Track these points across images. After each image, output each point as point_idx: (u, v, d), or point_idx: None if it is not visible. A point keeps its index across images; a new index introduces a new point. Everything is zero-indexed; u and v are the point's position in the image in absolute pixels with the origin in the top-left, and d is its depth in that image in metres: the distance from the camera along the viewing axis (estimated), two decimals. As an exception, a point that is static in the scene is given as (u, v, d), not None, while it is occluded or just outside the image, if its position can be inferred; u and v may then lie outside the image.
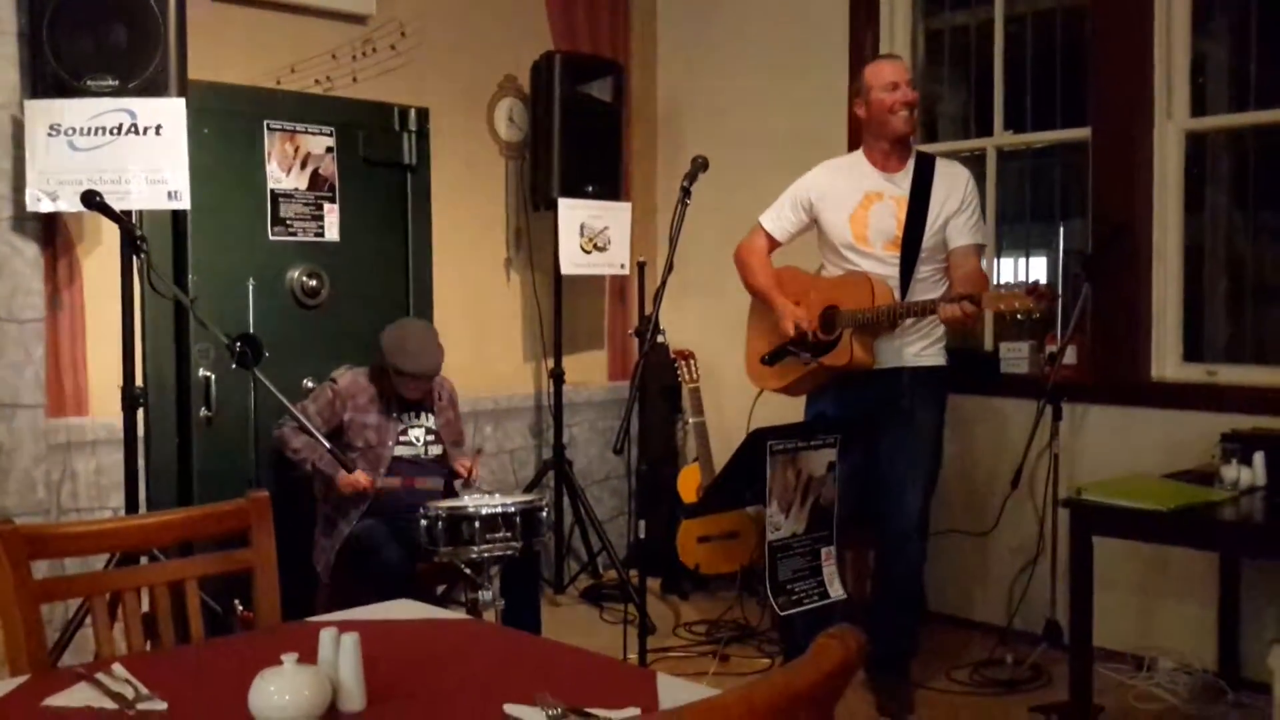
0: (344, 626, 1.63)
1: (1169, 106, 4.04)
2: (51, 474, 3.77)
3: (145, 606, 2.04)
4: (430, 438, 4.00)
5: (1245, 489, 3.24)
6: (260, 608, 2.11)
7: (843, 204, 3.59)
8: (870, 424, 3.46)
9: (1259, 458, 3.29)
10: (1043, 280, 4.32)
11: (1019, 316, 3.14)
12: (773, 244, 3.74)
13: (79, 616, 3.41)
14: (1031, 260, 4.75)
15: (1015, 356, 4.30)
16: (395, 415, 3.93)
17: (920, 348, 3.54)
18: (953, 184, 3.54)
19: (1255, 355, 4.05)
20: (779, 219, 3.71)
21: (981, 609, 4.39)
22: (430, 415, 4.01)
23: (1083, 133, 4.23)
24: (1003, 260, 4.67)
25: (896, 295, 3.47)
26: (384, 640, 1.84)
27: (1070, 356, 4.05)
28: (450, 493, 3.95)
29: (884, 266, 3.52)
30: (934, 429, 3.59)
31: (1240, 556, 3.62)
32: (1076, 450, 4.10)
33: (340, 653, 1.58)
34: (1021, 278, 4.76)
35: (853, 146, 4.54)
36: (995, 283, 4.57)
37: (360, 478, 3.69)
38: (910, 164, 3.58)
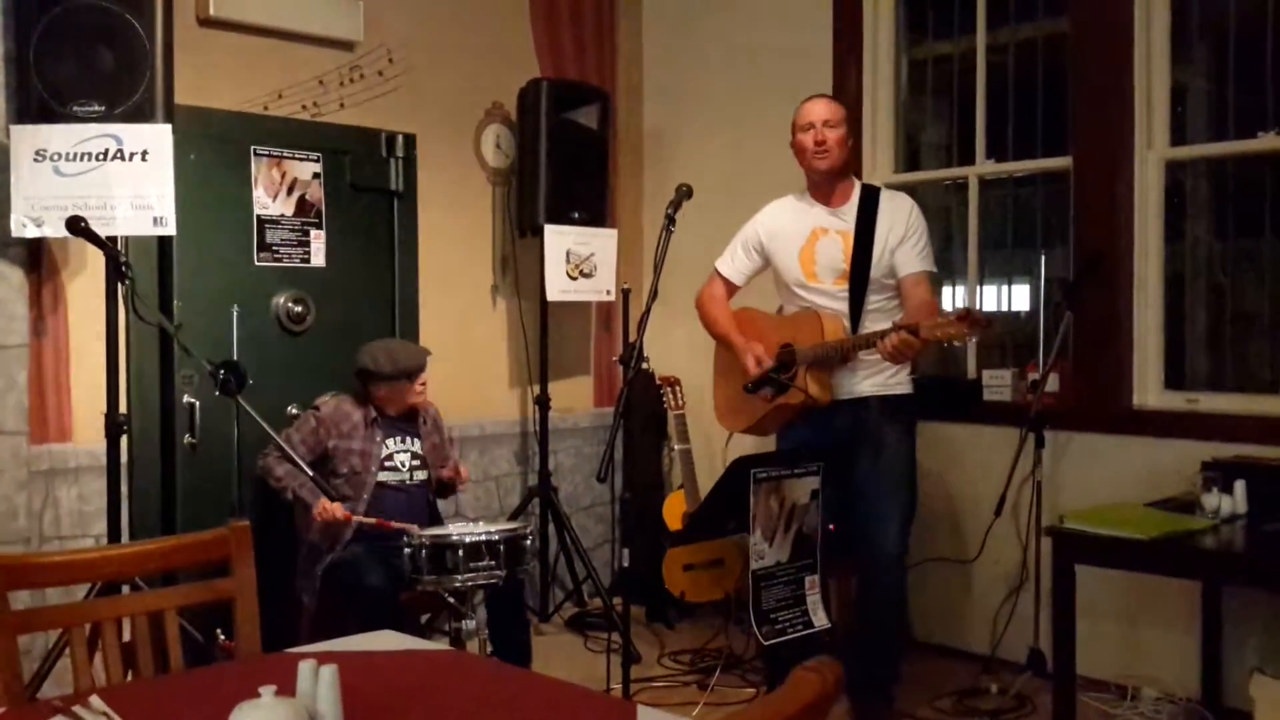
0: (324, 658, 1.62)
1: (1149, 136, 4.08)
2: (33, 501, 3.75)
3: (126, 635, 2.03)
4: (416, 462, 3.99)
5: (1226, 517, 3.25)
6: (240, 638, 2.10)
7: (791, 242, 3.65)
8: (843, 456, 3.47)
9: (1240, 486, 3.31)
10: (980, 307, 4.40)
11: (955, 344, 3.19)
12: (730, 288, 3.81)
13: (58, 647, 3.38)
14: (1013, 288, 4.79)
15: (998, 384, 4.32)
16: (380, 440, 3.92)
17: (884, 378, 3.58)
18: (896, 214, 3.60)
19: (1236, 383, 4.08)
20: (733, 263, 3.79)
21: (965, 637, 4.39)
22: (415, 440, 4.01)
23: (1064, 161, 4.27)
24: (985, 288, 4.70)
25: (847, 327, 3.52)
26: (364, 672, 1.83)
27: (1052, 384, 4.08)
28: (433, 520, 3.95)
29: (834, 301, 3.58)
30: (906, 457, 3.61)
31: (1221, 585, 3.63)
32: (1059, 478, 4.11)
33: (319, 685, 1.57)
34: (1004, 306, 4.79)
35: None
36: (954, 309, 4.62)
37: (337, 509, 3.67)
38: (854, 197, 3.65)
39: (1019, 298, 4.76)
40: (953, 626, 4.44)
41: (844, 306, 3.55)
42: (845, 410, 3.54)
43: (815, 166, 3.61)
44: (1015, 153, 4.51)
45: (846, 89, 4.79)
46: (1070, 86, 4.23)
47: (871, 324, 3.51)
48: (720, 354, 3.86)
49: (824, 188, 3.65)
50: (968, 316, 3.09)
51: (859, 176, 4.69)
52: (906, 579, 3.66)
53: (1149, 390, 4.09)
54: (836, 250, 3.59)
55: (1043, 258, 4.21)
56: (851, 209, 3.62)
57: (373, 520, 3.75)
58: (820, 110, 3.62)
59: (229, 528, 2.11)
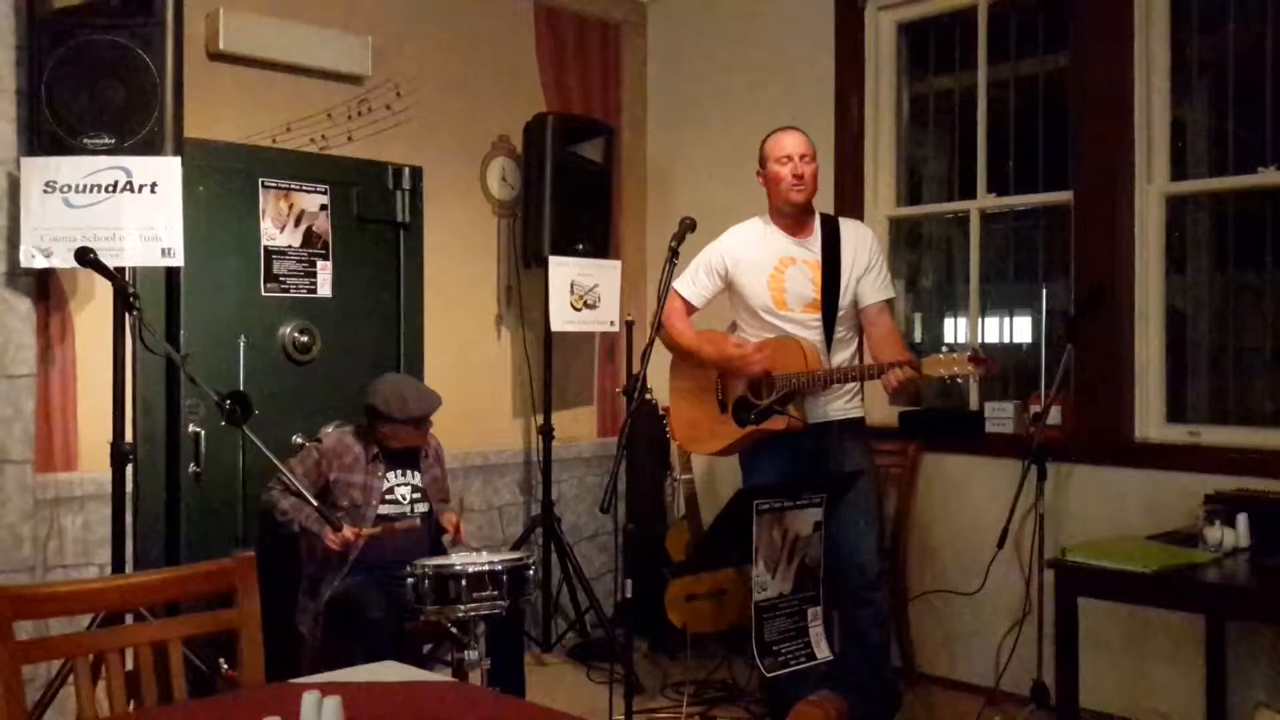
0: (327, 689, 1.63)
1: (1149, 170, 4.11)
2: (38, 530, 3.76)
3: (130, 664, 2.04)
4: (417, 495, 4.00)
5: (1229, 550, 3.25)
6: (244, 668, 2.11)
7: (758, 269, 3.70)
8: (824, 484, 3.48)
9: (1242, 519, 3.31)
10: (982, 339, 4.52)
11: (958, 381, 3.25)
12: (689, 309, 3.85)
13: (61, 675, 3.38)
14: (1015, 320, 4.80)
15: (1000, 416, 4.33)
16: (381, 474, 3.93)
17: (844, 402, 3.67)
18: (859, 243, 3.68)
19: (1238, 416, 4.08)
20: (694, 284, 3.82)
21: (969, 669, 4.38)
22: (416, 473, 4.02)
23: (1065, 196, 4.29)
24: (986, 320, 4.71)
25: (826, 357, 3.59)
26: (367, 703, 1.84)
27: (1054, 417, 4.08)
28: (435, 551, 3.96)
29: (805, 329, 3.63)
30: (870, 478, 3.68)
31: (1224, 618, 3.62)
32: (1061, 510, 4.11)
33: (323, 717, 1.58)
34: (1006, 338, 4.81)
35: (836, 207, 4.64)
36: (955, 343, 4.67)
37: (346, 532, 3.69)
38: (816, 227, 3.71)
39: (1020, 330, 4.78)
40: (956, 659, 4.43)
41: (816, 335, 3.62)
42: (810, 434, 3.59)
43: (791, 200, 3.65)
44: (1016, 186, 4.54)
45: (848, 123, 4.84)
46: (1071, 121, 4.26)
47: (837, 352, 3.63)
48: (678, 375, 3.89)
49: (792, 218, 3.71)
50: (977, 357, 3.17)
51: (859, 208, 4.75)
52: (887, 605, 3.67)
53: (1151, 423, 4.09)
54: (806, 279, 3.65)
55: (1044, 291, 4.22)
56: (815, 239, 3.69)
57: (378, 529, 3.78)
58: (797, 144, 3.68)
59: (233, 558, 2.13)
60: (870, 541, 3.58)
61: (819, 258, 3.65)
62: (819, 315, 3.63)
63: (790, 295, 3.66)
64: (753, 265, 3.71)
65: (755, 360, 3.59)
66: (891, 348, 3.56)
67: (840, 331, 3.66)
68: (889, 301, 3.69)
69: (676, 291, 3.83)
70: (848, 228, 3.73)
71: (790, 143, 3.67)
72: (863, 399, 3.74)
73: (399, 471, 3.98)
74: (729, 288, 3.79)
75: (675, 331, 3.81)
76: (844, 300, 3.63)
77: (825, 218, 3.75)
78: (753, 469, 3.74)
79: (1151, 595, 3.20)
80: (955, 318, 4.84)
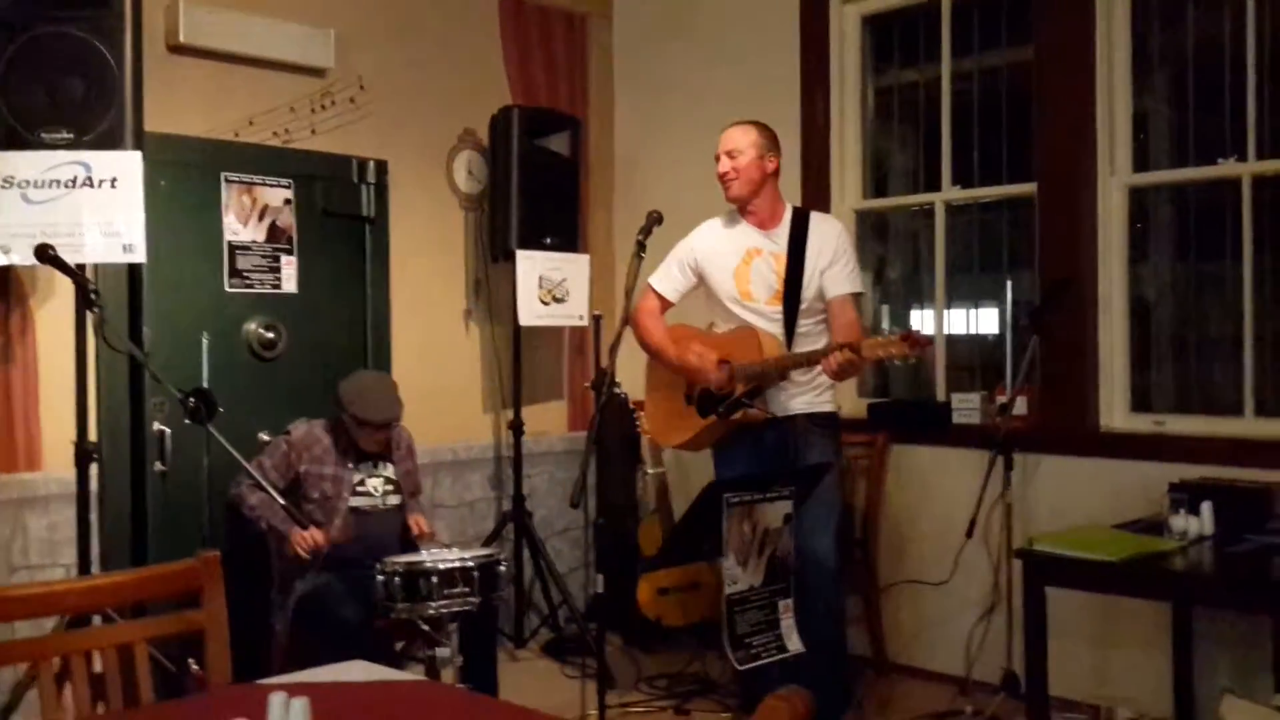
0: (295, 690, 1.62)
1: (1112, 162, 4.15)
2: (2, 531, 3.71)
3: (97, 666, 2.01)
4: (389, 488, 3.98)
5: (1194, 538, 3.28)
6: (211, 669, 2.09)
7: (726, 261, 3.73)
8: (793, 477, 3.49)
9: (1206, 507, 3.35)
10: (921, 329, 4.49)
11: (896, 362, 3.25)
12: (664, 304, 3.87)
13: (28, 679, 3.34)
14: (981, 311, 4.84)
15: (967, 407, 4.36)
16: (352, 466, 3.90)
17: (812, 396, 3.65)
18: (825, 237, 3.68)
19: (1202, 405, 4.13)
20: (667, 279, 3.85)
21: (939, 659, 4.41)
22: (389, 465, 4.00)
23: (1029, 188, 4.33)
24: (952, 311, 4.74)
25: (784, 345, 3.59)
26: (336, 703, 1.82)
27: (1020, 407, 4.11)
28: (406, 544, 3.94)
29: (768, 320, 3.65)
30: (834, 472, 3.65)
31: (1189, 605, 3.67)
32: (1029, 500, 4.15)
33: (290, 717, 1.57)
34: (972, 329, 4.84)
35: (804, 199, 4.65)
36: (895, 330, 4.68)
37: (316, 535, 3.66)
38: (786, 220, 3.72)
39: (986, 321, 4.81)
40: (926, 648, 4.46)
41: (778, 327, 3.63)
42: (775, 427, 3.60)
43: (725, 194, 3.70)
44: (981, 179, 4.57)
45: (814, 115, 4.85)
46: (1034, 113, 4.29)
47: (802, 346, 3.60)
48: (653, 370, 3.92)
49: (749, 211, 3.72)
50: (909, 336, 3.15)
51: (825, 201, 4.75)
52: (844, 598, 3.67)
53: (1115, 413, 4.14)
54: (770, 270, 3.67)
55: (1009, 282, 4.25)
56: (783, 231, 3.70)
57: (349, 532, 3.76)
58: (725, 139, 3.71)
59: (199, 558, 2.10)
60: (828, 537, 3.57)
61: (784, 250, 3.66)
62: (781, 307, 3.64)
63: (755, 286, 3.67)
64: (721, 257, 3.73)
65: (711, 376, 3.61)
66: (846, 336, 3.52)
67: (805, 324, 3.65)
68: (856, 296, 3.69)
69: (650, 286, 3.85)
70: (816, 221, 3.73)
71: (722, 139, 3.71)
72: (833, 393, 3.73)
73: (371, 463, 3.96)
74: (701, 281, 3.79)
75: (642, 329, 3.83)
76: (807, 293, 3.63)
77: (797, 211, 3.75)
78: (722, 463, 3.76)
79: (1118, 584, 3.23)
80: (922, 309, 4.87)
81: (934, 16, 4.64)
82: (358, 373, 4.06)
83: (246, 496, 3.81)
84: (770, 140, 3.71)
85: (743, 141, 3.68)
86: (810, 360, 3.44)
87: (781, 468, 3.54)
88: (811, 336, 3.67)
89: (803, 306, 3.64)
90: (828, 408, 3.71)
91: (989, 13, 4.57)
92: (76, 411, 3.47)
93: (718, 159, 3.70)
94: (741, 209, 3.74)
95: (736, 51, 5.13)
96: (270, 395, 4.31)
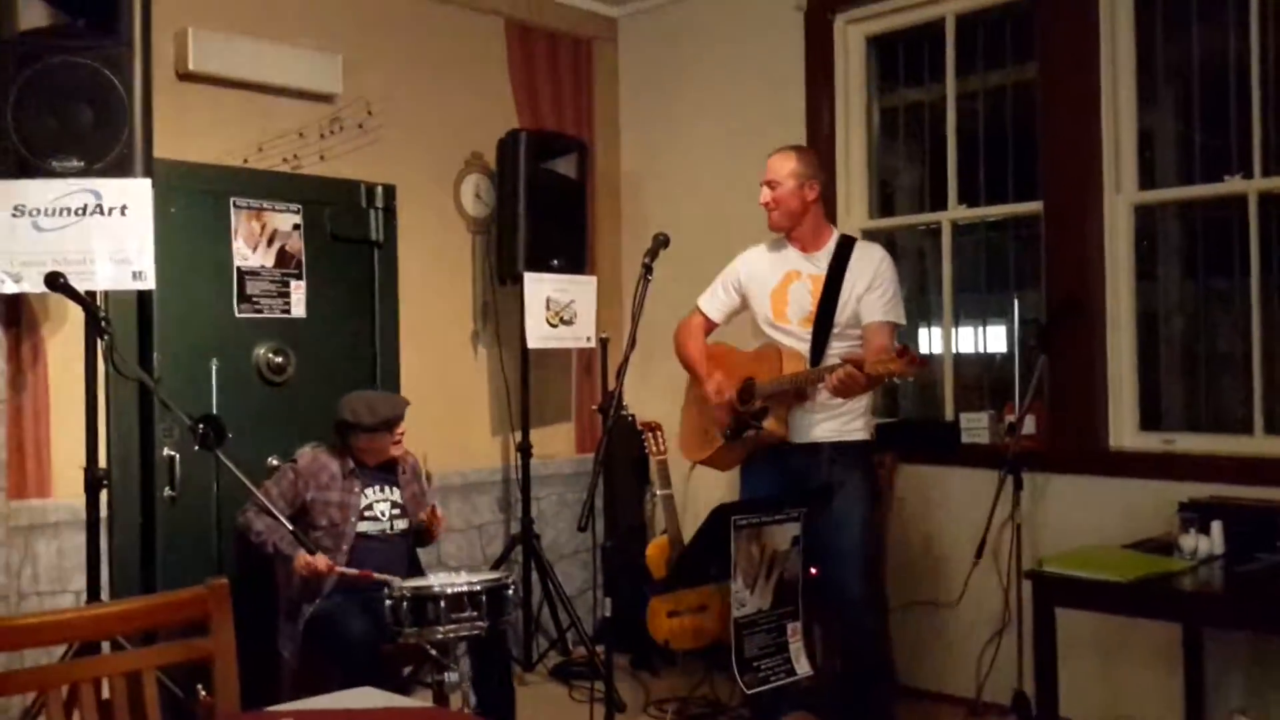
0: (302, 716, 1.62)
1: (1118, 180, 4.15)
2: (12, 557, 3.72)
3: (105, 693, 2.02)
4: (396, 511, 3.98)
5: (1204, 558, 3.27)
6: (220, 696, 2.09)
7: (766, 283, 3.75)
8: (802, 499, 3.49)
9: (1217, 526, 3.34)
10: (929, 349, 4.54)
11: (896, 380, 3.24)
12: (709, 324, 3.90)
13: (36, 707, 3.34)
14: (988, 330, 4.83)
15: (976, 427, 4.35)
16: (358, 491, 3.91)
17: (840, 424, 3.62)
18: (865, 264, 3.66)
19: (1211, 424, 4.11)
20: (713, 299, 3.89)
21: (950, 681, 4.39)
22: (395, 489, 4.00)
23: (1035, 206, 4.33)
24: (960, 330, 4.74)
25: (806, 362, 3.59)
26: (343, 731, 1.83)
27: (1029, 426, 4.11)
28: (414, 569, 3.94)
29: (798, 341, 3.66)
30: (860, 500, 3.62)
31: (1200, 626, 3.64)
32: (1038, 520, 4.13)
33: (298, 747, 1.57)
34: (979, 348, 4.84)
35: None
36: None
37: (319, 561, 3.66)
38: (830, 245, 3.73)
39: (994, 340, 4.81)
40: (936, 670, 4.44)
41: (806, 348, 3.63)
42: (800, 453, 3.60)
43: (768, 224, 3.73)
44: (987, 197, 4.58)
45: (819, 136, 4.86)
46: (1039, 132, 4.30)
47: None
48: (691, 386, 3.96)
49: (802, 237, 3.73)
50: (905, 353, 3.14)
51: (831, 222, 4.76)
52: (882, 622, 3.66)
53: (1124, 432, 4.12)
54: (806, 294, 3.67)
55: (1016, 301, 4.25)
56: (826, 256, 3.70)
57: (355, 571, 3.73)
58: (767, 169, 3.73)
59: (207, 586, 2.10)
60: (851, 564, 3.55)
61: (823, 273, 3.66)
62: (811, 329, 3.63)
63: (790, 307, 3.69)
64: (763, 279, 3.76)
65: (711, 383, 3.65)
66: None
67: (837, 348, 3.60)
68: (892, 324, 3.63)
69: (697, 306, 3.91)
70: (861, 248, 3.72)
71: (767, 168, 3.72)
72: (866, 421, 3.69)
73: (377, 488, 3.96)
74: (745, 303, 3.82)
75: (680, 344, 3.90)
76: (840, 316, 3.61)
77: (844, 238, 3.76)
78: (745, 483, 3.78)
79: (1128, 605, 3.22)
80: (929, 328, 4.86)
81: (938, 36, 4.66)
82: (350, 394, 4.07)
83: (253, 522, 3.81)
84: (810, 167, 3.71)
85: (781, 171, 3.68)
86: (819, 377, 3.43)
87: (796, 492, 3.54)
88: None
89: (835, 331, 3.61)
90: (857, 436, 3.65)
91: (993, 31, 4.59)
92: (86, 438, 3.49)
93: (761, 186, 3.70)
94: (786, 234, 3.75)
95: (742, 74, 5.16)
96: (280, 420, 4.32)
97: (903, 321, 3.70)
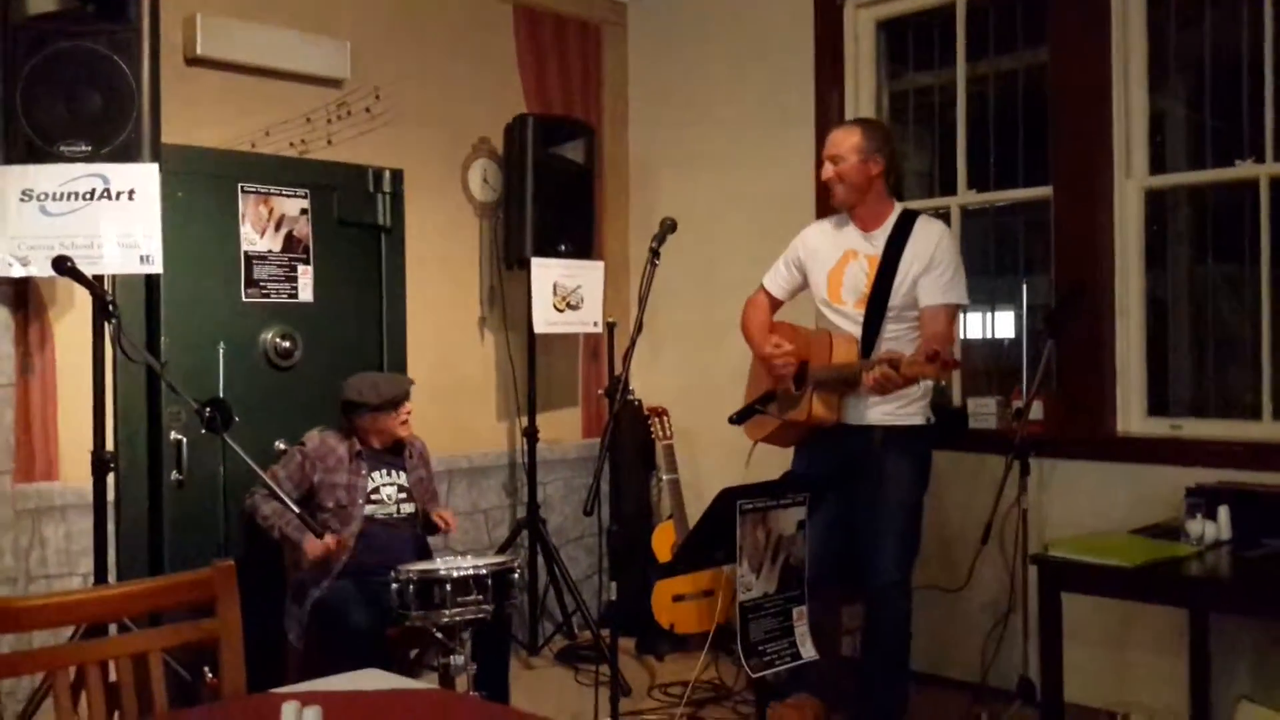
0: (308, 699, 1.63)
1: (1128, 164, 4.13)
2: (20, 540, 3.74)
3: (112, 675, 2.03)
4: (402, 495, 3.99)
5: (1211, 543, 3.26)
6: (225, 679, 2.10)
7: (824, 261, 3.71)
8: (845, 480, 3.50)
9: (1224, 511, 3.32)
10: (964, 334, 4.50)
11: (930, 381, 3.22)
12: (773, 301, 3.88)
13: (44, 688, 3.36)
14: (997, 315, 4.82)
15: (983, 412, 4.34)
16: (365, 474, 3.92)
17: (893, 407, 3.57)
18: (924, 244, 3.57)
19: (1219, 409, 4.10)
20: (775, 276, 3.88)
21: (955, 666, 4.39)
22: (402, 472, 4.02)
23: (1045, 191, 4.31)
24: (969, 315, 4.72)
25: (859, 350, 3.55)
26: (349, 713, 1.83)
27: (1036, 412, 4.09)
28: (421, 552, 3.95)
29: (851, 323, 3.62)
30: (907, 486, 3.61)
31: (1206, 612, 3.64)
32: (1045, 505, 4.12)
33: (302, 727, 1.58)
34: (988, 333, 4.82)
35: (819, 205, 4.64)
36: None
37: (328, 540, 3.67)
38: (890, 222, 3.64)
39: (1002, 325, 4.79)
40: (941, 655, 4.43)
41: (859, 330, 3.58)
42: (854, 435, 3.58)
43: (831, 200, 3.68)
44: (997, 182, 4.55)
45: (829, 121, 4.83)
46: (1049, 116, 4.27)
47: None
48: (755, 364, 3.93)
49: (854, 212, 3.68)
50: (935, 357, 3.10)
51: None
52: (908, 610, 3.66)
53: (1132, 417, 4.11)
54: (861, 274, 3.62)
55: (1025, 286, 4.24)
56: (884, 234, 3.62)
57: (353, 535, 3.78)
58: (828, 143, 3.67)
59: (213, 568, 2.11)
60: (886, 549, 3.55)
61: (880, 253, 3.59)
62: (864, 311, 3.58)
63: (845, 288, 3.64)
64: (822, 257, 3.72)
65: (779, 367, 3.63)
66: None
67: (894, 330, 3.55)
68: (951, 307, 3.55)
69: (762, 284, 3.90)
70: (921, 224, 3.61)
71: (827, 143, 3.68)
72: (924, 405, 3.63)
73: (383, 471, 3.98)
74: (805, 280, 3.79)
75: (744, 318, 3.90)
76: (895, 299, 3.53)
77: (905, 214, 3.65)
78: (795, 461, 3.79)
79: (1134, 590, 3.21)
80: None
81: (948, 20, 4.63)
82: (354, 375, 4.09)
83: (260, 506, 3.83)
84: (874, 140, 3.61)
85: (844, 145, 3.60)
86: (856, 375, 3.41)
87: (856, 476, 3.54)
88: (901, 343, 3.51)
89: (890, 313, 3.55)
90: (912, 420, 3.59)
91: (1004, 16, 4.56)
92: (94, 421, 3.50)
93: (820, 164, 3.64)
94: (849, 211, 3.70)
95: (751, 58, 5.13)
96: (287, 404, 4.33)
97: (964, 301, 3.61)
